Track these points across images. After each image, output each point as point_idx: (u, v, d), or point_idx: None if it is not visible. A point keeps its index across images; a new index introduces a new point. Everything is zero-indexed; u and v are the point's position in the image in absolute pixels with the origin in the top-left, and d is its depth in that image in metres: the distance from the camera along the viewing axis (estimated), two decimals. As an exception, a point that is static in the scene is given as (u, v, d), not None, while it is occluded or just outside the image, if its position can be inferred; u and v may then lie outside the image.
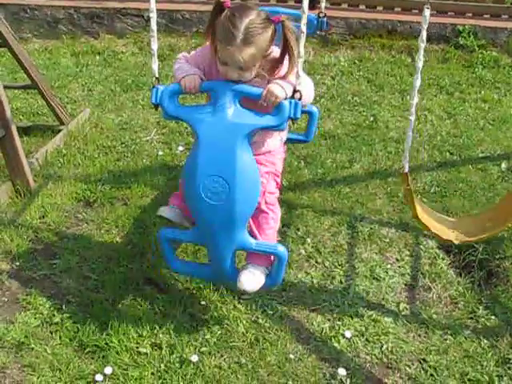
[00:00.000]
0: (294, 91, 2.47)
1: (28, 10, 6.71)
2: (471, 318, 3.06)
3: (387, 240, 3.58)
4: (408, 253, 3.49)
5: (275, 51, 2.58)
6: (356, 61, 6.30)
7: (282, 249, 2.62)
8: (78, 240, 3.51)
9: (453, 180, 4.18)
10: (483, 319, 3.05)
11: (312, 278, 3.28)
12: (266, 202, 2.70)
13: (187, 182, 2.62)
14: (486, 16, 6.60)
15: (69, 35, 6.75)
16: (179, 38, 6.59)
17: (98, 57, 6.35)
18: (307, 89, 2.58)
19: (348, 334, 2.92)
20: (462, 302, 3.15)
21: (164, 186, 3.98)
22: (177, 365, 2.74)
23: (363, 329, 2.97)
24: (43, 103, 4.70)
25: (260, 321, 2.98)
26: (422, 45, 2.42)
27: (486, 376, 2.73)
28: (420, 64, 2.50)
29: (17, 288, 3.18)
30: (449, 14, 6.61)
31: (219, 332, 2.91)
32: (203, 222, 2.62)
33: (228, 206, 2.50)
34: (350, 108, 5.28)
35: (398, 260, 3.44)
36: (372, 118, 5.07)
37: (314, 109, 2.92)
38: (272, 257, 2.70)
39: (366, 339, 2.91)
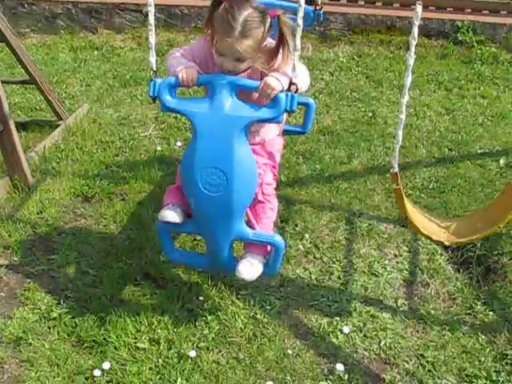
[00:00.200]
0: (291, 84, 2.49)
1: (26, 5, 6.69)
2: (469, 314, 3.07)
3: (385, 236, 3.58)
4: (406, 248, 3.49)
5: (270, 43, 2.62)
6: (355, 56, 6.29)
7: (278, 239, 2.67)
8: (76, 235, 3.50)
9: (451, 176, 4.18)
10: (481, 315, 3.05)
11: (310, 273, 3.28)
12: (262, 193, 2.74)
13: (185, 174, 2.64)
14: (484, 12, 6.59)
15: (67, 30, 6.74)
16: (178, 33, 6.58)
17: (96, 52, 6.34)
18: (302, 74, 2.58)
19: (346, 329, 2.92)
20: (460, 298, 3.16)
21: (162, 181, 3.97)
22: (175, 360, 2.74)
23: (361, 324, 2.97)
24: (41, 98, 4.69)
25: (258, 316, 2.98)
26: (414, 42, 2.36)
27: (483, 371, 2.74)
28: (411, 61, 2.42)
29: (15, 283, 3.18)
30: (448, 9, 6.61)
31: (217, 327, 2.91)
32: (201, 212, 2.64)
33: (226, 197, 2.53)
34: (348, 104, 5.28)
35: (396, 256, 3.44)
36: (370, 114, 5.07)
37: (311, 101, 2.94)
38: (269, 246, 2.73)
39: (364, 335, 2.92)
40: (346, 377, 2.70)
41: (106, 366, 2.68)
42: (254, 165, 2.59)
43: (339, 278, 3.26)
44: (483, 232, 2.81)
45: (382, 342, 2.87)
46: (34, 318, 2.95)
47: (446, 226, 2.98)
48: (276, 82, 2.48)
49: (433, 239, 2.83)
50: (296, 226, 3.63)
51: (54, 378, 2.66)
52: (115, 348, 2.77)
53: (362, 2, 6.75)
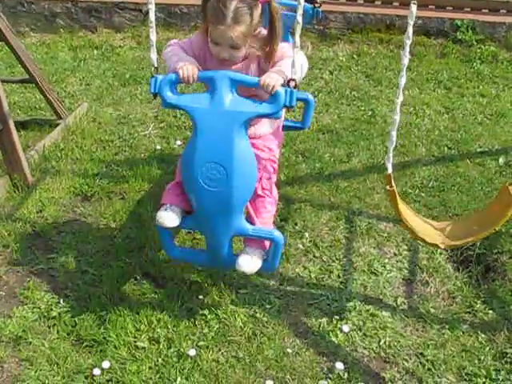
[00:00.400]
0: (290, 80, 2.50)
1: (25, 4, 6.68)
2: (469, 313, 3.07)
3: (385, 234, 3.58)
4: (406, 247, 3.49)
5: (263, 30, 2.67)
6: (354, 55, 6.29)
7: (278, 234, 2.69)
8: (75, 234, 3.51)
9: (451, 174, 4.18)
10: (481, 313, 3.05)
11: (310, 272, 3.28)
12: (262, 188, 2.76)
13: (185, 169, 2.65)
14: (484, 10, 6.58)
15: (66, 29, 6.74)
16: (177, 32, 6.57)
17: (95, 51, 6.34)
18: (300, 61, 2.59)
19: (346, 328, 2.92)
20: (460, 297, 3.16)
21: (162, 180, 3.97)
22: (174, 359, 2.75)
23: (361, 323, 2.97)
24: (41, 97, 4.69)
25: (258, 315, 2.98)
26: (408, 41, 2.32)
27: (483, 370, 2.74)
28: (406, 61, 2.40)
29: (14, 282, 3.18)
30: (447, 8, 6.60)
31: (217, 326, 2.92)
32: (201, 208, 2.66)
33: (225, 193, 2.55)
34: (348, 102, 5.28)
35: (395, 254, 3.44)
36: (370, 113, 5.07)
37: (310, 97, 2.97)
38: (268, 242, 2.75)
39: (364, 333, 2.92)
40: (346, 375, 2.70)
41: (106, 364, 2.69)
42: (254, 160, 2.61)
43: (339, 276, 3.27)
44: (479, 235, 2.79)
45: (382, 341, 2.88)
46: (34, 317, 2.95)
47: (441, 228, 2.94)
48: (277, 76, 2.50)
49: (427, 242, 2.79)
50: (295, 224, 3.63)
51: (54, 376, 2.66)
52: (115, 347, 2.78)
53: (362, 1, 6.74)
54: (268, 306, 3.04)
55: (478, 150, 4.55)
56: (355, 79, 5.77)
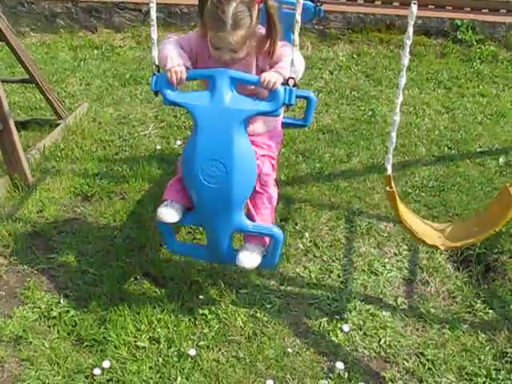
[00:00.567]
0: (289, 78, 2.52)
1: (25, 4, 6.69)
2: (469, 312, 3.07)
3: (385, 234, 3.58)
4: (406, 247, 3.49)
5: (261, 28, 2.68)
6: (354, 55, 6.29)
7: (277, 230, 2.72)
8: (75, 234, 3.51)
9: (451, 174, 4.18)
10: (481, 313, 3.05)
11: (310, 272, 3.28)
12: (261, 184, 2.77)
13: (186, 166, 2.67)
14: (484, 10, 6.58)
15: (67, 29, 6.74)
16: (177, 31, 6.56)
17: (95, 51, 6.34)
18: (297, 61, 2.60)
19: (346, 327, 2.92)
20: (460, 296, 3.16)
21: (162, 179, 3.97)
22: (175, 359, 2.75)
23: (361, 323, 2.97)
24: (41, 97, 4.70)
25: (258, 315, 2.98)
26: (408, 42, 2.31)
27: (483, 370, 2.74)
28: (406, 61, 2.40)
29: (14, 282, 3.18)
30: (447, 8, 6.60)
31: (217, 326, 2.92)
32: (202, 204, 2.68)
33: (225, 189, 2.58)
34: (348, 102, 5.28)
35: (395, 254, 3.44)
36: (370, 113, 5.07)
37: (312, 94, 2.99)
38: (267, 238, 2.77)
39: (364, 333, 2.92)
40: (346, 375, 2.70)
41: (106, 364, 2.69)
42: (254, 157, 2.64)
43: (339, 276, 3.27)
44: (479, 236, 2.78)
45: (382, 341, 2.88)
46: (34, 317, 2.95)
47: (440, 229, 2.93)
48: (277, 75, 2.52)
49: (427, 243, 2.79)
50: (296, 224, 3.63)
51: (54, 376, 2.66)
52: (115, 347, 2.78)
53: (362, 1, 6.74)
54: (268, 306, 3.04)
55: (478, 149, 4.55)
56: (355, 79, 5.77)
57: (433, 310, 3.07)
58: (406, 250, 3.46)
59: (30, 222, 3.57)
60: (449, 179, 4.12)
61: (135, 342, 2.81)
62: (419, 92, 5.50)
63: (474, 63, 6.11)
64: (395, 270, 3.32)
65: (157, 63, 2.63)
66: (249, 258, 2.72)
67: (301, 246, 3.47)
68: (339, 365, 2.72)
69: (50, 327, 2.91)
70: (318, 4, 3.73)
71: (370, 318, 3.00)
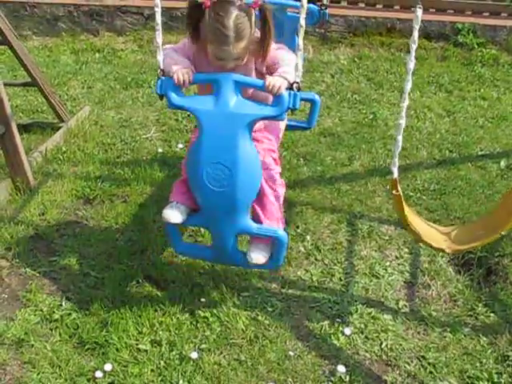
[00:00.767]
0: (293, 82, 2.53)
1: (28, 8, 6.69)
2: (470, 316, 3.07)
3: (386, 237, 3.58)
4: (407, 250, 3.49)
5: (257, 32, 2.67)
6: (355, 58, 6.30)
7: (282, 233, 2.73)
8: (77, 237, 3.51)
9: (452, 178, 4.19)
10: (482, 316, 3.06)
11: (311, 275, 3.29)
12: (266, 180, 2.76)
13: (191, 169, 2.68)
14: (485, 14, 6.59)
15: (68, 33, 6.75)
16: (179, 35, 6.56)
17: (97, 54, 6.35)
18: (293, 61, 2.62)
19: (347, 331, 2.92)
20: (461, 300, 3.16)
21: (164, 183, 3.98)
22: (176, 361, 2.75)
23: (362, 326, 2.97)
24: (43, 101, 4.71)
25: (259, 318, 2.99)
26: (414, 46, 2.32)
27: (485, 373, 2.74)
28: (411, 65, 2.39)
29: (16, 285, 3.19)
30: (448, 11, 6.61)
31: (219, 329, 2.92)
32: (207, 207, 2.70)
33: (230, 193, 2.58)
34: (349, 106, 5.29)
35: (397, 257, 3.45)
36: (371, 116, 5.07)
37: (316, 97, 2.99)
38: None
39: (366, 336, 2.92)
40: (348, 378, 2.70)
41: (108, 367, 2.69)
42: (258, 161, 2.64)
43: (340, 279, 3.27)
44: (484, 239, 2.79)
45: (384, 344, 2.88)
46: (36, 320, 2.96)
47: (446, 233, 2.95)
48: (282, 79, 2.53)
49: (433, 247, 2.80)
50: (297, 227, 3.63)
51: (56, 379, 2.67)
52: (117, 349, 2.78)
53: (363, 5, 6.75)
54: (270, 309, 3.05)
55: (480, 153, 4.56)
56: (356, 82, 5.78)
57: (434, 314, 3.07)
58: (407, 253, 3.47)
59: (31, 225, 3.58)
60: (450, 182, 4.13)
61: (137, 344, 2.82)
62: (420, 95, 5.50)
63: (475, 67, 6.11)
64: (396, 274, 3.32)
65: (162, 67, 2.63)
66: (257, 255, 2.75)
67: (302, 249, 3.47)
68: (341, 368, 2.73)
69: (51, 330, 2.91)
70: (323, 8, 3.71)
71: (372, 321, 3.00)
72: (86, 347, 2.82)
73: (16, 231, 3.51)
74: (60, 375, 2.68)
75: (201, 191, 2.65)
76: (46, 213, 3.69)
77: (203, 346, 2.83)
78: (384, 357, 2.83)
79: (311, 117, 3.20)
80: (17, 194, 3.83)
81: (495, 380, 2.71)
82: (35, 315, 2.99)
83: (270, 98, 2.62)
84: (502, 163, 4.37)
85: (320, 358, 2.81)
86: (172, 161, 4.28)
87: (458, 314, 3.08)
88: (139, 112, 5.06)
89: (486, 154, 4.53)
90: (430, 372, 2.76)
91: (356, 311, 3.05)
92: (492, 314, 3.07)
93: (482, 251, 3.37)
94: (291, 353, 2.82)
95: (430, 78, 5.87)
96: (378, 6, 6.72)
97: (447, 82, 5.80)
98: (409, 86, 2.39)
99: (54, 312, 3.00)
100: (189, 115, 2.65)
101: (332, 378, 2.70)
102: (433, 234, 2.89)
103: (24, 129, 4.51)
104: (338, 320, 3.00)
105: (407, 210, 2.74)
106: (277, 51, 2.69)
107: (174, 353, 2.79)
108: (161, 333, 2.87)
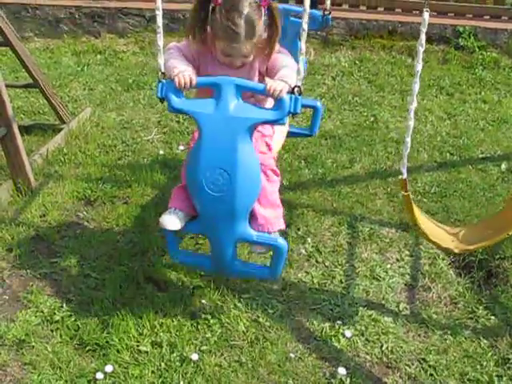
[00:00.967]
0: (294, 86, 2.52)
1: (29, 9, 6.71)
2: (471, 318, 3.07)
3: (387, 240, 3.58)
4: (408, 253, 3.49)
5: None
6: (356, 61, 6.30)
7: (282, 241, 2.71)
8: (78, 239, 3.51)
9: (453, 180, 4.19)
10: (483, 319, 3.06)
11: (312, 277, 3.29)
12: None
13: (190, 174, 2.66)
14: (486, 17, 6.60)
15: (70, 34, 6.76)
16: (180, 37, 6.56)
17: (99, 56, 6.36)
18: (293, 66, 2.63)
19: (348, 333, 2.92)
20: (462, 302, 3.16)
21: (165, 185, 3.99)
22: (177, 363, 2.75)
23: (363, 328, 2.97)
24: (44, 102, 4.71)
25: (260, 320, 2.99)
26: (421, 48, 2.35)
27: (485, 376, 2.74)
28: (419, 67, 2.42)
29: (17, 286, 3.19)
30: (449, 15, 6.62)
31: (219, 331, 2.92)
32: (205, 213, 2.68)
33: (229, 198, 2.56)
34: (350, 108, 5.29)
35: (398, 260, 3.45)
36: (372, 119, 5.08)
37: (319, 104, 2.98)
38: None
39: (366, 339, 2.92)
40: (348, 381, 2.70)
41: (109, 368, 2.69)
42: (258, 166, 2.62)
43: (341, 282, 3.27)
44: (493, 239, 2.80)
45: (384, 346, 2.88)
46: (37, 321, 2.96)
47: (454, 233, 2.97)
48: (283, 83, 2.52)
49: (442, 246, 2.81)
50: (298, 230, 3.63)
51: (57, 380, 2.67)
52: (118, 351, 2.78)
53: (364, 8, 6.76)
54: (271, 311, 3.05)
55: (480, 155, 4.56)
56: (357, 85, 5.78)
57: (435, 316, 3.07)
58: (408, 256, 3.47)
59: (32, 227, 3.59)
60: (451, 185, 4.13)
61: (137, 346, 2.82)
62: (421, 98, 5.50)
63: (476, 69, 6.12)
64: (397, 276, 3.33)
65: (162, 70, 2.63)
66: (262, 248, 2.77)
67: (303, 251, 3.47)
68: (341, 370, 2.72)
69: (52, 331, 2.91)
70: (326, 13, 3.71)
71: (372, 323, 3.01)
72: (87, 348, 2.82)
73: (17, 232, 3.52)
74: (61, 376, 2.68)
75: (199, 196, 2.62)
76: (47, 214, 3.69)
77: (204, 347, 2.83)
78: (384, 359, 2.83)
79: (313, 124, 3.19)
80: (18, 196, 3.83)
81: (496, 383, 2.71)
82: (36, 316, 2.99)
83: (269, 100, 2.62)
84: (503, 166, 4.37)
85: (321, 360, 2.81)
86: (173, 163, 4.28)
87: (458, 316, 3.08)
88: (140, 114, 5.07)
89: (486, 157, 4.53)
90: (431, 374, 2.76)
91: (357, 313, 3.05)
92: (492, 317, 3.07)
93: (482, 254, 3.38)
94: (292, 355, 2.82)
95: (431, 80, 5.87)
96: (379, 9, 6.73)
97: (448, 84, 5.81)
98: (417, 87, 2.41)
99: (54, 313, 3.00)
100: (189, 117, 2.65)
101: (332, 380, 2.70)
102: (441, 234, 2.91)
103: (25, 130, 4.51)
104: (338, 322, 3.00)
105: (416, 210, 2.75)
106: (278, 54, 2.70)
107: (174, 354, 2.79)
108: (161, 334, 2.87)
